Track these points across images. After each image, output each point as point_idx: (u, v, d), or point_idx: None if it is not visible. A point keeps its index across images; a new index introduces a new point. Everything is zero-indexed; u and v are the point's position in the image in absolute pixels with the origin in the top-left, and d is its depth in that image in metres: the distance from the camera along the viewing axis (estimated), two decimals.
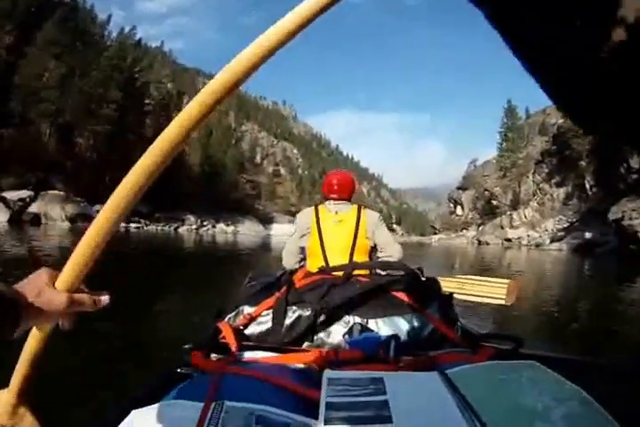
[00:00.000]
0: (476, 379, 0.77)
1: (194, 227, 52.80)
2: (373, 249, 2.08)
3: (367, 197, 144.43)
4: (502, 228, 50.47)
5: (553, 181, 50.07)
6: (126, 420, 0.66)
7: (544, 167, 52.05)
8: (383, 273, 1.75)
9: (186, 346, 1.07)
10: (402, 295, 1.45)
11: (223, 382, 0.77)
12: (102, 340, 2.87)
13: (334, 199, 2.12)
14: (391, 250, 2.07)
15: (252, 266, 10.27)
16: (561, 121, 47.07)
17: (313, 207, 2.12)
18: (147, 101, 55.19)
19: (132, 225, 40.17)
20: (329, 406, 0.70)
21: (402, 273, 1.63)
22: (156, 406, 0.69)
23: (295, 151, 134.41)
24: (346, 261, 1.92)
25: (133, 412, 0.68)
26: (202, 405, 0.67)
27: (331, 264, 1.88)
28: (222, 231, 53.77)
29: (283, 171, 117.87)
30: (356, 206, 2.10)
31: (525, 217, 50.60)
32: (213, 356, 1.07)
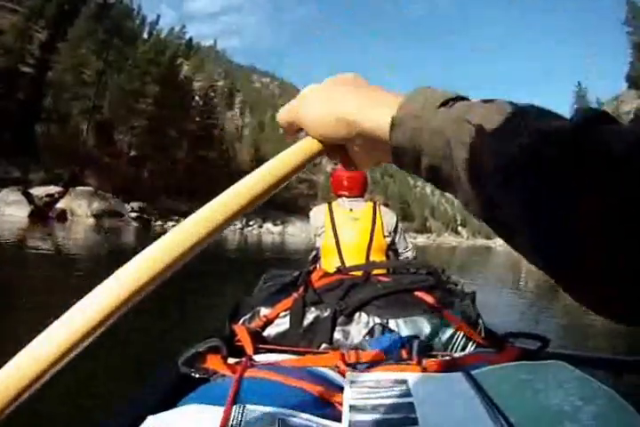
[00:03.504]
0: (502, 379, 0.75)
1: (238, 226, 50.74)
2: (389, 248, 2.05)
3: (430, 198, 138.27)
4: None
5: None
6: (143, 426, 0.63)
7: None
8: (402, 272, 1.75)
9: (198, 349, 1.00)
10: (423, 295, 1.42)
11: (243, 385, 0.74)
12: (112, 343, 2.67)
13: (346, 196, 2.10)
14: (404, 248, 2.06)
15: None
16: (637, 103, 40.59)
17: (326, 205, 2.11)
18: (195, 97, 54.35)
19: (170, 224, 38.43)
20: (353, 408, 0.67)
21: (423, 272, 1.62)
22: (174, 411, 0.66)
23: None
24: (362, 259, 1.90)
25: (150, 417, 0.64)
26: (222, 409, 0.63)
27: (347, 263, 1.86)
28: (268, 232, 51.17)
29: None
30: (371, 203, 2.08)
31: None
32: (229, 359, 1.01)
